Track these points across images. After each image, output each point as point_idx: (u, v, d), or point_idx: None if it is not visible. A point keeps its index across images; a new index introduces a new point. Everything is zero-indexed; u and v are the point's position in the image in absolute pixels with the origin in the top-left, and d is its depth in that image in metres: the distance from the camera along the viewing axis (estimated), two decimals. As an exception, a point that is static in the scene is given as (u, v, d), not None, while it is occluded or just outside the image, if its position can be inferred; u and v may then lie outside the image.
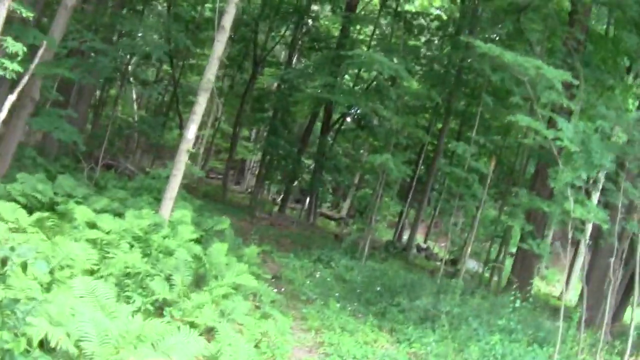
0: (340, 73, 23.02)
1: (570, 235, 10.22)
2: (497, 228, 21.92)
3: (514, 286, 20.57)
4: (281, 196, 32.86)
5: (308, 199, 30.36)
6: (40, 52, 8.84)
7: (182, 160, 10.77)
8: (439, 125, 26.44)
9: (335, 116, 30.80)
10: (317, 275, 14.31)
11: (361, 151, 36.01)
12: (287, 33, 29.94)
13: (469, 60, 21.20)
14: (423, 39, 27.05)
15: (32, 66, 8.24)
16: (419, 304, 11.44)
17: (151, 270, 8.00)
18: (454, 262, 23.95)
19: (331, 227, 30.35)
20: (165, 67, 31.38)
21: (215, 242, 9.86)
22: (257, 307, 9.90)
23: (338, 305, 11.45)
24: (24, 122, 13.70)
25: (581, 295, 14.44)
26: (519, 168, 22.87)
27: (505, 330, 9.74)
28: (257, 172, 33.45)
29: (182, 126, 31.24)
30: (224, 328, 7.24)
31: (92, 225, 8.88)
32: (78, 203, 9.80)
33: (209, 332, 7.63)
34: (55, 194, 10.69)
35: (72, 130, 13.03)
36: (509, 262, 22.55)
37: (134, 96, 35.53)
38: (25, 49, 7.34)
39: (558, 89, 10.79)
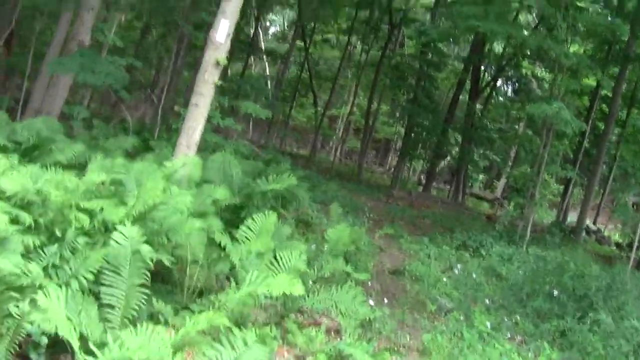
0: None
1: None
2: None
3: None
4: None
5: (455, 177, 25.00)
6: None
7: (207, 80, 6.11)
8: (606, 92, 19.89)
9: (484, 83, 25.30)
10: (458, 270, 9.32)
11: (517, 126, 29.45)
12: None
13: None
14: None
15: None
16: (632, 325, 6.18)
17: (46, 270, 3.51)
18: (629, 246, 18.32)
19: (483, 209, 24.83)
20: (298, 41, 27.14)
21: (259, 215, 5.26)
22: (335, 335, 5.23)
23: (488, 323, 6.44)
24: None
25: None
26: None
27: None
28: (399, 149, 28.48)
29: (316, 103, 27.13)
30: None
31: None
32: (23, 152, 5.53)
33: None
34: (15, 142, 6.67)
35: (112, 73, 8.95)
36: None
37: (267, 72, 31.01)
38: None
39: None
